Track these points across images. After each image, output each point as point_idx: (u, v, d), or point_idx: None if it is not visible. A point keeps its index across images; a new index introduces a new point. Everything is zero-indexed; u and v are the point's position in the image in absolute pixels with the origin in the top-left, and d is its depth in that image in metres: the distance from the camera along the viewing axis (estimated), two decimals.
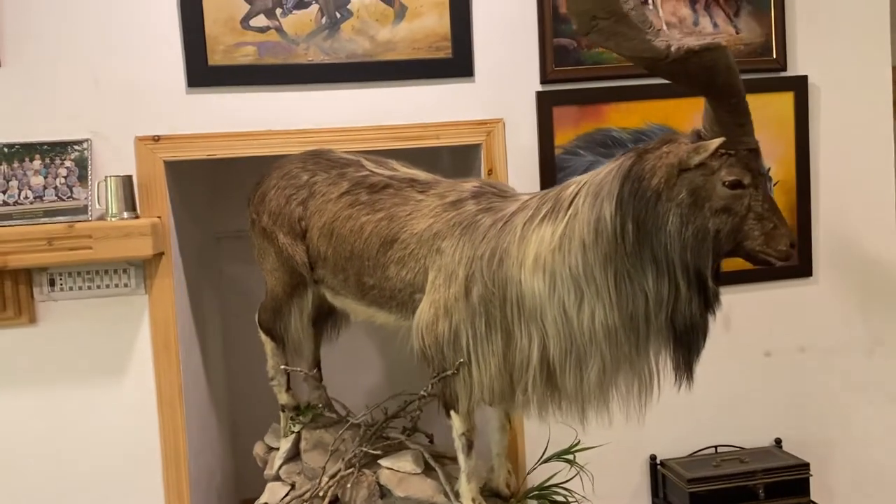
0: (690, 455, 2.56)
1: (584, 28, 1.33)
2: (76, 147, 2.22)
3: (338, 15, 2.32)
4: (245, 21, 2.28)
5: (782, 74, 2.55)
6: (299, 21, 2.30)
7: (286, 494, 2.28)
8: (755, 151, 1.54)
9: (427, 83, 2.37)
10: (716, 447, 2.58)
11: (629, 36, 1.33)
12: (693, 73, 1.39)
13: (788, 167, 2.57)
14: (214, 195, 2.99)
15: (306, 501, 2.13)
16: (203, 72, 2.27)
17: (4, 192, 2.16)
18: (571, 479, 2.25)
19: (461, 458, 1.98)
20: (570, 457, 2.15)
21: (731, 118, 1.48)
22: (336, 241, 2.05)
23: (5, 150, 2.18)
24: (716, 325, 2.52)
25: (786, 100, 2.55)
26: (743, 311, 2.59)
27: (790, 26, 2.54)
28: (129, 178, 2.21)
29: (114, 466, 2.30)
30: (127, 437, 2.31)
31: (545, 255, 1.70)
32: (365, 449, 2.18)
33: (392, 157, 2.18)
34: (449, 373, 1.87)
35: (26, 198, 2.17)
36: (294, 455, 2.39)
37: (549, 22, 2.40)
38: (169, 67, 2.26)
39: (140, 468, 2.32)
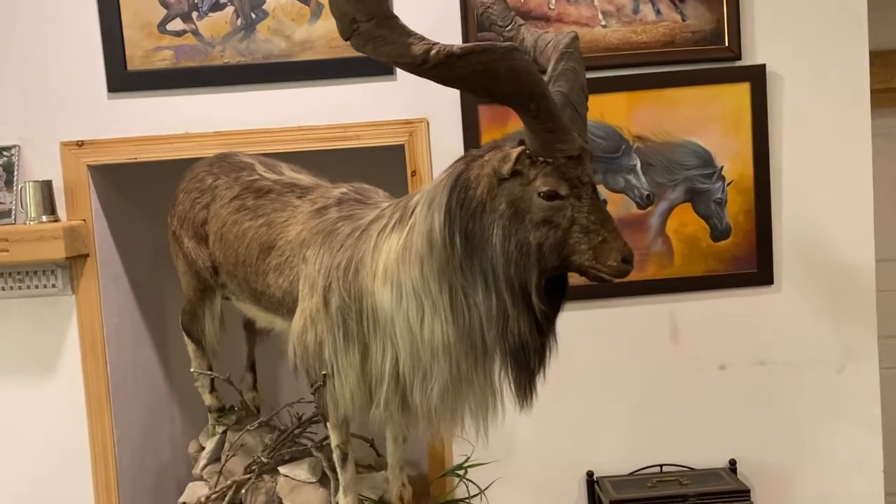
0: (632, 473, 2.41)
1: (346, 32, 1.25)
2: (4, 153, 2.31)
3: (253, 15, 2.30)
4: (162, 25, 2.29)
5: (737, 64, 2.33)
6: (215, 23, 2.30)
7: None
8: (576, 158, 1.40)
9: (347, 82, 2.32)
10: (661, 466, 2.41)
11: (389, 40, 1.23)
12: (465, 77, 1.27)
13: (745, 165, 2.35)
14: None
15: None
16: (122, 77, 2.31)
17: None
18: (476, 495, 2.18)
19: (338, 470, 1.93)
20: (462, 472, 2.06)
21: (538, 124, 1.35)
22: (225, 247, 2.04)
23: None
24: (662, 335, 2.40)
25: (741, 91, 2.33)
26: (693, 321, 2.40)
27: (747, 11, 2.32)
28: (48, 182, 2.27)
29: (46, 460, 2.40)
30: (58, 433, 2.40)
31: (391, 266, 1.63)
32: (262, 458, 2.17)
33: (318, 159, 2.17)
34: (318, 384, 1.83)
35: None
36: (218, 456, 2.41)
37: (473, 18, 2.29)
38: (90, 74, 2.31)
39: (70, 463, 2.40)
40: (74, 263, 2.35)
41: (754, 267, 2.38)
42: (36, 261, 2.24)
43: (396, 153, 2.37)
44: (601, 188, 2.35)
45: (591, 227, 1.42)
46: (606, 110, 2.33)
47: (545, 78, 1.50)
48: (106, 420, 2.40)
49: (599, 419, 2.44)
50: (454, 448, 2.40)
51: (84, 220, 2.34)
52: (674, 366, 2.42)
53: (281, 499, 2.10)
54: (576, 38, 1.54)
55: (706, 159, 2.35)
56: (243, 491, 2.14)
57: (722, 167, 2.35)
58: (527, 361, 1.52)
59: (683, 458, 2.42)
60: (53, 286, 2.36)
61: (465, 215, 1.48)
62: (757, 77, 2.32)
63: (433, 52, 1.22)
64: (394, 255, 1.62)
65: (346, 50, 2.28)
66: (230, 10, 2.29)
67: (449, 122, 2.33)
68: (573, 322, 2.38)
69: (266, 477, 2.19)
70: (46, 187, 2.27)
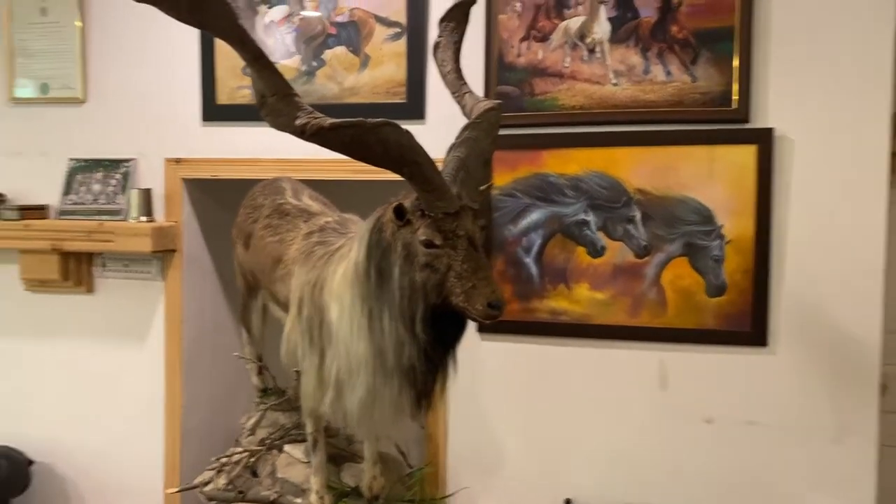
0: None
1: (259, 104, 1.59)
2: (125, 164, 2.94)
3: (314, 63, 2.72)
4: (245, 68, 2.78)
5: (744, 126, 2.37)
6: (285, 69, 2.67)
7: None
8: (454, 215, 1.64)
9: None
10: None
11: (283, 112, 1.56)
12: (339, 145, 1.57)
13: (746, 225, 2.38)
14: None
15: (226, 466, 2.60)
16: (213, 109, 2.83)
17: (77, 194, 2.95)
18: (447, 496, 2.44)
19: (311, 454, 2.29)
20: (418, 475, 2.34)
21: (416, 185, 1.62)
22: (256, 256, 2.48)
23: (82, 163, 2.97)
24: (651, 381, 2.52)
25: (746, 153, 2.37)
26: (682, 372, 2.47)
27: (760, 76, 2.35)
28: (148, 190, 2.86)
29: (132, 411, 3.00)
30: (143, 390, 2.99)
31: (339, 287, 1.96)
32: (272, 438, 2.59)
33: (359, 187, 2.54)
34: (295, 380, 2.20)
35: (88, 200, 2.93)
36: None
37: (495, 71, 2.55)
38: (190, 105, 2.87)
39: (149, 416, 2.98)
40: (165, 256, 2.92)
41: (748, 326, 2.40)
42: (131, 252, 2.83)
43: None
44: (600, 234, 2.50)
45: (464, 274, 1.65)
46: (610, 163, 2.48)
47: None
48: (177, 386, 2.95)
49: (585, 451, 2.58)
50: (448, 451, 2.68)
51: (176, 222, 2.91)
52: (660, 412, 2.50)
53: (276, 470, 2.50)
54: (490, 109, 1.78)
55: (706, 216, 2.41)
56: (253, 459, 2.57)
57: (722, 226, 2.40)
58: (414, 382, 1.78)
59: (661, 502, 2.50)
60: (149, 273, 2.95)
61: (378, 253, 1.77)
62: (763, 140, 2.35)
63: (309, 125, 1.54)
64: (340, 278, 1.95)
65: (384, 96, 2.66)
66: (297, 58, 2.74)
67: None
68: (568, 358, 2.59)
69: (276, 451, 2.61)
70: (146, 194, 2.85)
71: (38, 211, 2.95)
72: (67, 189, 2.96)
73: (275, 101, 1.57)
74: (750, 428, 2.43)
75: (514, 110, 2.54)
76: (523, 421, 2.62)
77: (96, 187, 2.94)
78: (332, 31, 2.70)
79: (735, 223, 2.40)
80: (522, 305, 2.59)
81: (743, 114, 2.36)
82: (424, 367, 1.77)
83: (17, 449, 2.98)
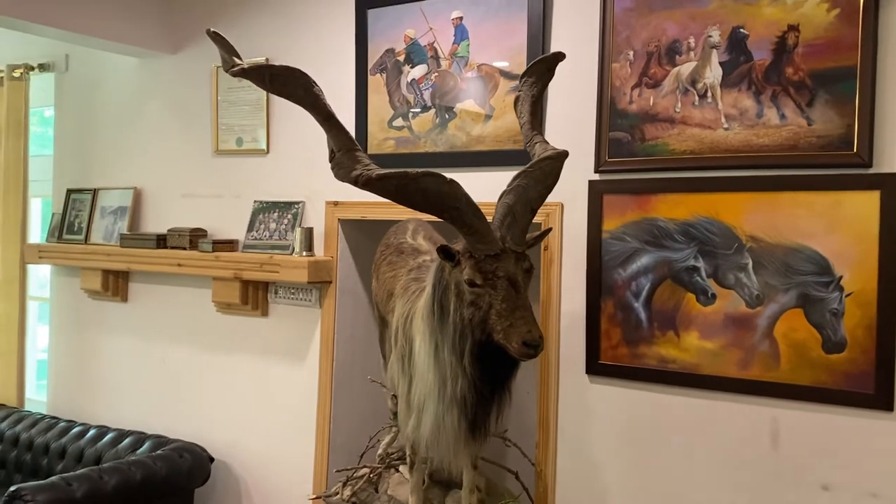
0: None
1: (329, 158, 1.84)
2: (295, 206, 3.38)
3: (447, 116, 2.97)
4: (390, 122, 3.11)
5: (866, 171, 2.20)
6: (422, 121, 3.03)
7: None
8: (494, 257, 1.77)
9: (504, 169, 2.81)
10: None
11: (344, 165, 1.79)
12: (387, 193, 1.76)
13: (868, 278, 2.20)
14: None
15: (351, 479, 2.88)
16: None
17: (257, 231, 3.45)
18: None
19: (409, 474, 2.48)
20: None
21: (460, 229, 1.77)
22: (379, 289, 2.75)
23: (263, 205, 3.47)
24: (762, 439, 2.43)
25: (869, 200, 2.20)
26: (796, 431, 2.32)
27: (885, 117, 2.18)
28: (310, 229, 3.27)
29: (291, 421, 3.40)
30: (301, 404, 3.38)
31: (419, 321, 2.16)
32: (390, 457, 2.81)
33: None
34: (395, 404, 2.42)
35: (265, 236, 3.42)
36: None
37: (607, 118, 2.61)
38: None
39: (304, 428, 3.36)
40: (323, 287, 3.30)
41: (871, 388, 2.20)
42: (292, 281, 3.25)
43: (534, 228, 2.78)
44: (711, 282, 2.44)
45: (503, 313, 1.77)
46: (721, 208, 2.42)
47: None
48: (327, 403, 3.30)
49: None
50: (557, 490, 2.72)
51: (331, 257, 3.28)
52: (772, 473, 2.35)
53: (388, 488, 2.72)
54: (545, 159, 1.89)
55: (823, 267, 2.26)
56: (373, 475, 2.82)
57: (841, 277, 2.24)
58: (466, 412, 1.91)
59: None
60: (310, 301, 3.35)
61: (440, 290, 1.95)
62: (889, 186, 2.16)
63: (361, 175, 1.76)
64: (418, 313, 2.15)
65: (506, 144, 2.83)
66: (432, 112, 3.00)
67: (578, 207, 2.67)
68: (676, 407, 2.55)
69: (393, 470, 2.83)
70: (308, 232, 3.26)
71: (227, 244, 3.49)
72: (250, 226, 3.48)
73: (341, 156, 1.82)
74: (873, 501, 2.21)
75: (625, 155, 2.58)
76: (628, 466, 2.59)
77: (272, 225, 3.41)
78: (463, 86, 2.92)
79: (856, 275, 2.22)
80: (631, 350, 2.58)
81: (865, 158, 2.20)
82: (475, 400, 1.90)
83: (200, 446, 3.51)
